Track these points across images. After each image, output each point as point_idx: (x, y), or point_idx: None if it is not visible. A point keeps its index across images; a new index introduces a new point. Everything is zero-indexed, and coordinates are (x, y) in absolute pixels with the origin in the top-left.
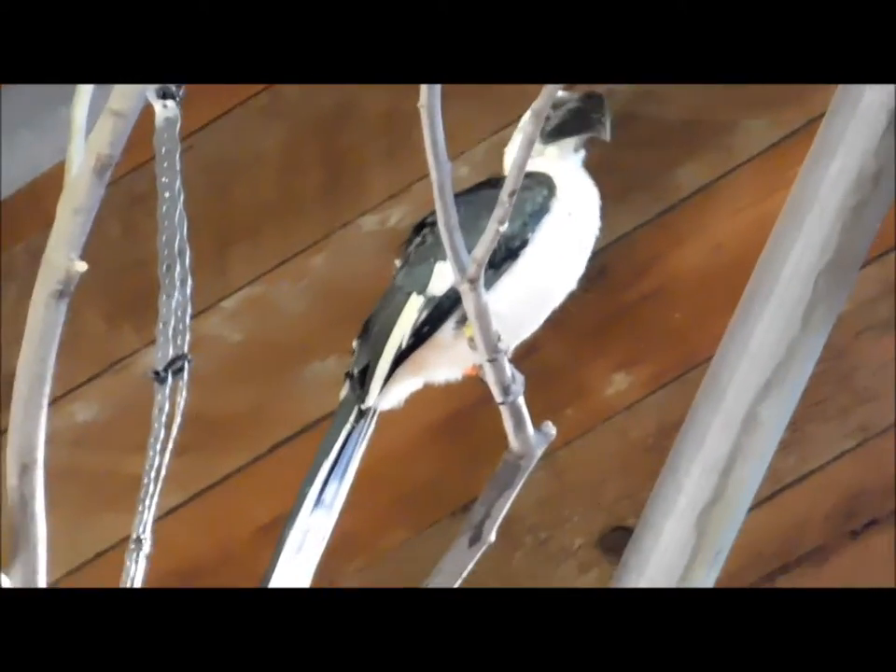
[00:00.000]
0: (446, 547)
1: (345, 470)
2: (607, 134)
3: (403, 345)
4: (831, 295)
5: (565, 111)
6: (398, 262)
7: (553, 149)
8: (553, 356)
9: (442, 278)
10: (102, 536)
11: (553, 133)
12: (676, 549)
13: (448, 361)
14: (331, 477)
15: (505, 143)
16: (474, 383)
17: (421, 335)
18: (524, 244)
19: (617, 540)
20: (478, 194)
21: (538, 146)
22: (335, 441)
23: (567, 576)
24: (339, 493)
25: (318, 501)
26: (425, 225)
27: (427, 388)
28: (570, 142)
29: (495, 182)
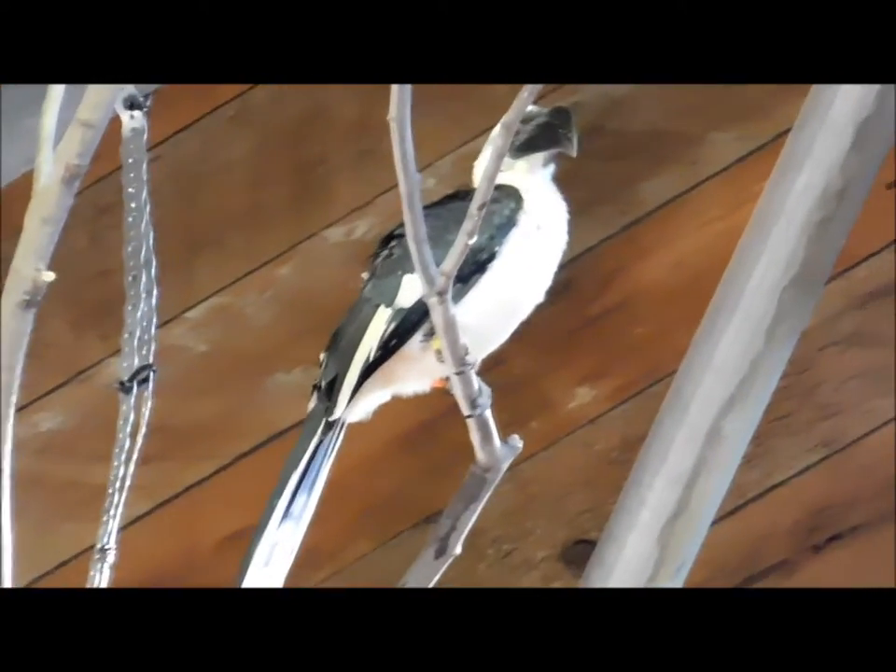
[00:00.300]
0: (410, 559)
1: (314, 483)
2: (573, 150)
3: (371, 358)
4: (795, 310)
5: (533, 126)
6: (365, 275)
7: (522, 163)
8: (518, 368)
9: (410, 291)
10: (65, 545)
11: (523, 148)
12: (639, 562)
13: (416, 374)
14: (300, 489)
15: (472, 155)
16: (439, 395)
17: (389, 348)
18: (491, 257)
19: (580, 553)
20: (446, 207)
21: (508, 159)
22: (303, 453)
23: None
24: (307, 505)
25: (287, 514)
26: (392, 237)
27: (393, 400)
28: (539, 156)
29: (463, 195)
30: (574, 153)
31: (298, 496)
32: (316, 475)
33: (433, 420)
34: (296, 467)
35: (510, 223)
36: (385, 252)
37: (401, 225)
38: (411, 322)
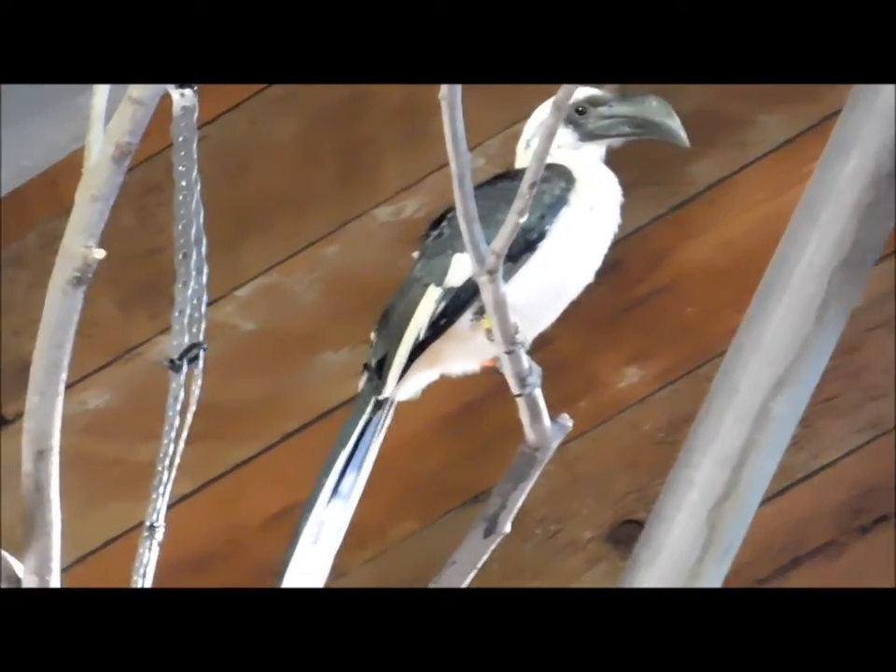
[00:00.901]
0: (456, 538)
1: (363, 461)
2: (685, 140)
3: (421, 337)
4: (844, 292)
5: (621, 118)
6: (415, 254)
7: (591, 147)
8: (566, 348)
9: (460, 270)
10: (112, 523)
11: (603, 134)
12: (687, 543)
13: (465, 353)
14: (349, 468)
15: (521, 135)
16: (486, 374)
17: (438, 327)
18: (541, 236)
19: (627, 534)
20: (496, 186)
21: (576, 141)
22: (353, 431)
23: (575, 569)
24: (356, 484)
25: (335, 492)
26: (443, 218)
27: (441, 379)
28: (615, 142)
29: (513, 174)
30: (688, 143)
31: (346, 474)
32: (366, 453)
33: (481, 399)
34: (345, 445)
35: (560, 202)
36: (436, 232)
37: (453, 207)
38: (461, 301)
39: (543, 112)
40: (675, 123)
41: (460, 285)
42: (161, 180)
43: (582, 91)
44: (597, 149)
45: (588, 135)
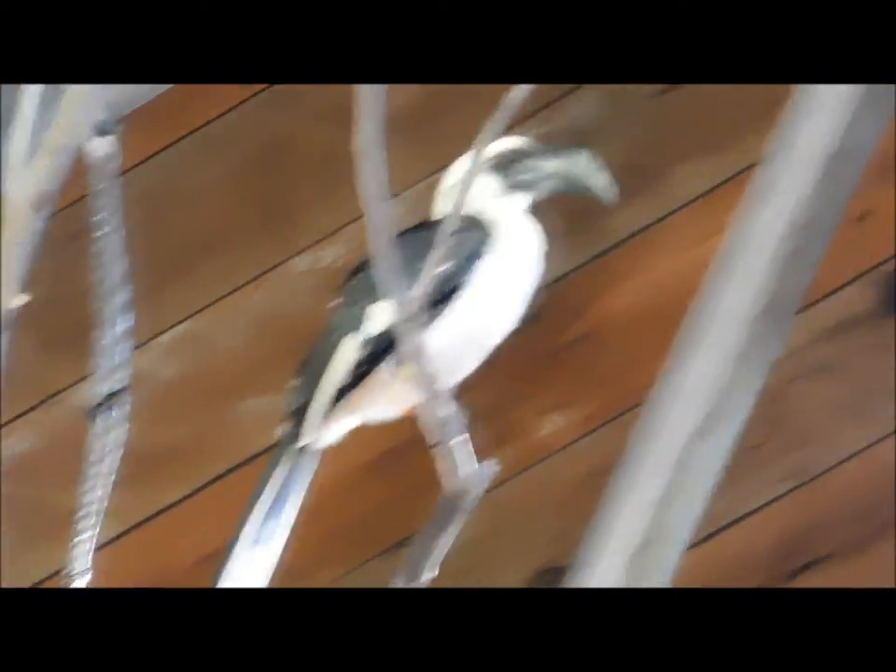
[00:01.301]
0: (380, 585)
1: (285, 508)
2: (613, 197)
3: (340, 385)
4: (765, 340)
5: (549, 172)
6: (335, 302)
7: (517, 197)
8: (489, 395)
9: (379, 318)
10: (35, 568)
11: (526, 186)
12: None
13: (386, 400)
14: (270, 514)
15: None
16: (408, 420)
17: (358, 375)
18: (460, 285)
19: (549, 581)
20: (415, 235)
21: (502, 190)
22: (268, 478)
23: None
24: (277, 531)
25: (257, 539)
26: (362, 267)
27: (366, 425)
28: (541, 194)
29: (431, 224)
30: (614, 202)
31: (268, 521)
32: (287, 501)
33: (404, 445)
34: (262, 492)
35: (479, 251)
36: (355, 280)
37: (372, 256)
38: (379, 349)
39: (467, 160)
40: (603, 180)
41: (379, 333)
42: (84, 226)
43: (512, 142)
44: (523, 199)
45: (514, 186)
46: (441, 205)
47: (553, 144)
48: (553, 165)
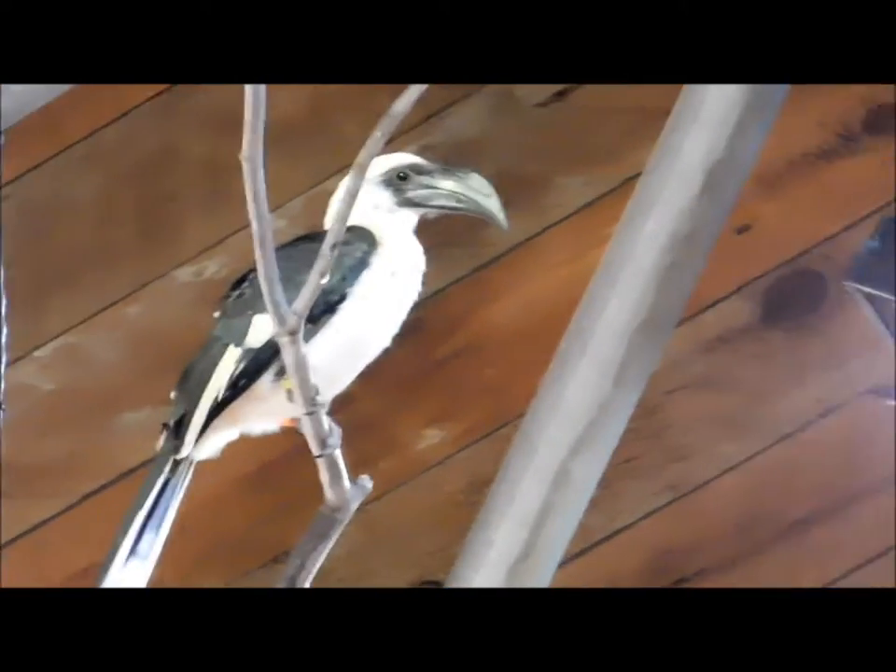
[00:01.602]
0: None
1: (161, 521)
2: (504, 223)
3: (220, 397)
4: (644, 354)
5: (442, 190)
6: (216, 314)
7: (405, 213)
8: (367, 409)
9: (260, 331)
10: None
11: (419, 204)
12: None
13: (265, 413)
14: (147, 527)
15: (323, 196)
16: (288, 434)
17: (238, 387)
18: (342, 298)
19: None
20: (297, 248)
21: (392, 205)
22: (150, 491)
23: None
24: (155, 544)
25: (133, 552)
26: (245, 279)
27: (242, 438)
28: (430, 212)
29: (314, 236)
30: (506, 227)
31: (145, 534)
32: (164, 513)
33: (282, 459)
34: (142, 505)
35: (361, 265)
36: (237, 293)
37: (255, 267)
38: (260, 362)
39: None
40: (494, 204)
41: (260, 345)
42: None
43: (406, 158)
44: (412, 216)
45: (405, 202)
46: (330, 217)
47: (447, 163)
48: (445, 184)
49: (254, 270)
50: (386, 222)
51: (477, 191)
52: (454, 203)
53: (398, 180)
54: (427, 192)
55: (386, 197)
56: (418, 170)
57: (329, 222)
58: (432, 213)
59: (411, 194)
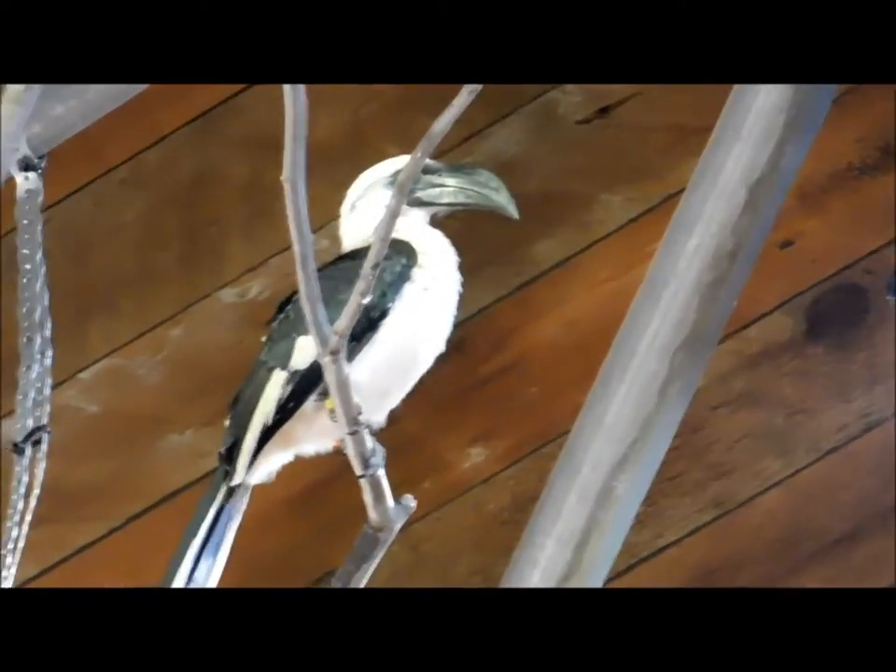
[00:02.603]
0: None
1: (218, 547)
2: (515, 212)
3: (269, 421)
4: (687, 370)
5: (450, 185)
6: (263, 339)
7: (418, 213)
8: (411, 428)
9: (305, 352)
10: None
11: (430, 202)
12: None
13: (315, 434)
14: (203, 555)
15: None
16: (332, 454)
17: (286, 410)
18: (384, 314)
19: None
20: (337, 267)
21: (406, 209)
22: (204, 518)
23: None
24: (213, 570)
25: (190, 579)
26: (289, 301)
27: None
28: (441, 210)
29: (353, 254)
30: (516, 215)
31: (202, 561)
32: (221, 540)
33: (326, 479)
34: (196, 532)
35: (402, 279)
36: (282, 315)
37: (298, 289)
38: (307, 383)
39: (369, 176)
40: (503, 197)
41: (305, 367)
42: (6, 263)
43: (398, 161)
44: (422, 215)
45: (415, 202)
46: (347, 218)
47: (455, 164)
48: (453, 181)
49: (297, 292)
50: (414, 231)
51: (484, 185)
52: (463, 199)
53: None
54: (435, 191)
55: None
56: (426, 170)
57: (344, 226)
58: (442, 211)
59: (420, 193)
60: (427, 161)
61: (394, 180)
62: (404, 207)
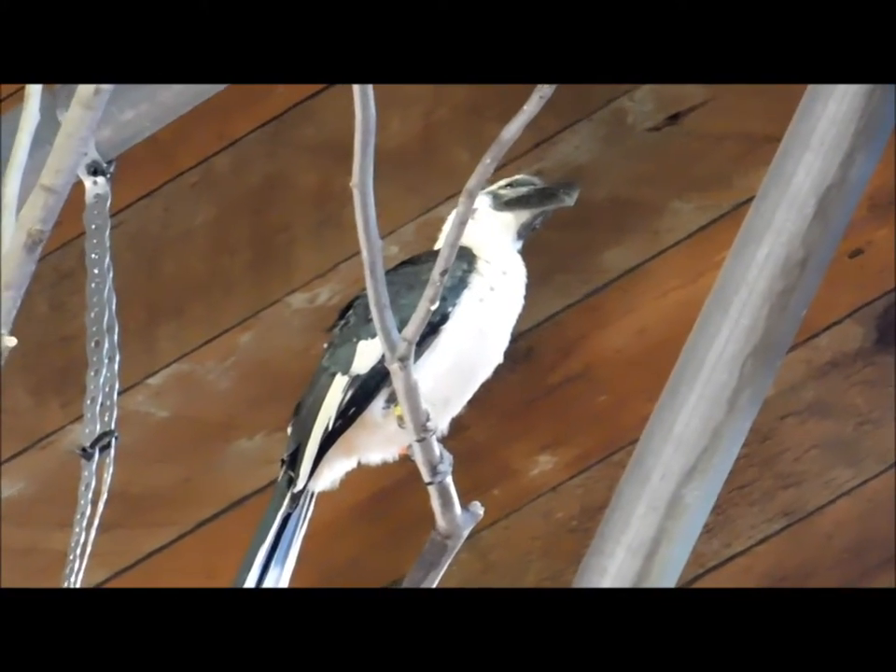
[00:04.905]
0: None
1: (286, 555)
2: (571, 201)
3: (330, 427)
4: (756, 379)
5: (531, 188)
6: (325, 345)
7: (507, 216)
8: (480, 436)
9: (366, 357)
10: None
11: (512, 203)
12: None
13: (380, 441)
14: (272, 562)
15: (434, 222)
16: (400, 461)
17: (348, 416)
18: (444, 319)
19: None
20: (398, 272)
21: (489, 208)
22: (270, 526)
23: None
24: (281, 577)
25: (259, 586)
26: (350, 306)
27: (354, 468)
28: (521, 216)
29: (415, 260)
30: (572, 203)
31: (270, 569)
32: (288, 548)
33: (395, 486)
34: (263, 540)
35: (462, 284)
36: (343, 321)
37: (360, 294)
38: (368, 389)
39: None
40: (571, 199)
41: (366, 372)
42: (74, 268)
43: (514, 177)
44: (508, 221)
45: (502, 205)
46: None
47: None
48: (539, 185)
49: (359, 297)
50: (483, 230)
51: (560, 186)
52: (539, 200)
53: (501, 190)
54: (523, 190)
55: (486, 200)
56: (520, 182)
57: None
58: (524, 218)
59: (506, 198)
60: (526, 176)
61: (491, 191)
62: (490, 209)
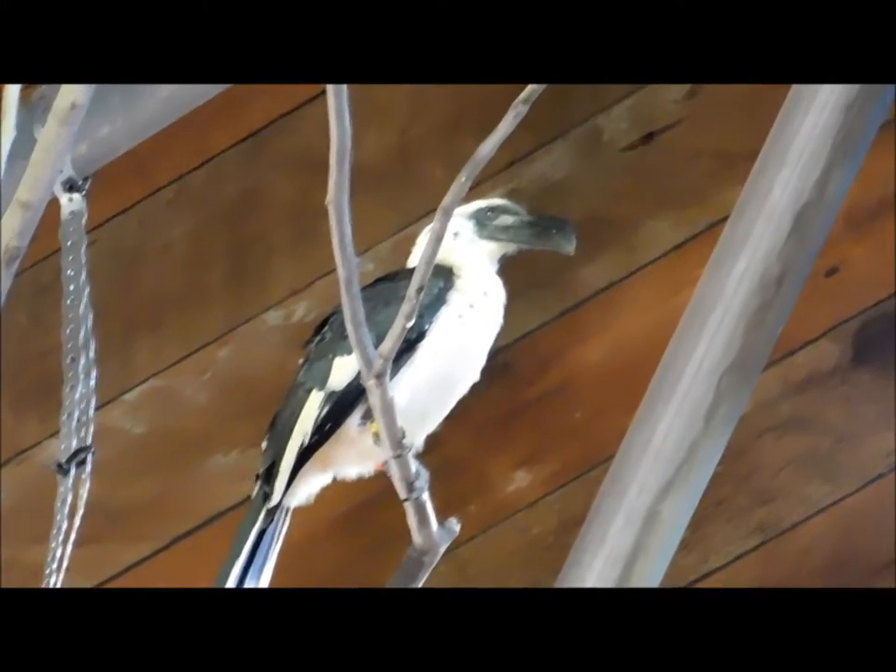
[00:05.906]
0: None
1: (262, 569)
2: (572, 248)
3: (306, 442)
4: (733, 395)
5: (521, 222)
6: (301, 360)
7: (488, 246)
8: (456, 451)
9: (342, 373)
10: None
11: (500, 236)
12: None
13: (355, 457)
14: (247, 577)
15: (411, 239)
16: (376, 477)
17: (324, 431)
18: (421, 335)
19: None
20: (374, 289)
21: (473, 235)
22: (245, 541)
23: None
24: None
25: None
26: (325, 323)
27: (331, 482)
28: (510, 247)
29: (392, 276)
30: (572, 251)
31: (246, 584)
32: (263, 562)
33: (371, 501)
34: (238, 556)
35: (439, 301)
36: (319, 337)
37: (335, 310)
38: (344, 404)
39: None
40: (571, 246)
41: (343, 388)
42: (51, 282)
43: (495, 201)
44: (492, 250)
45: (487, 234)
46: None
47: (533, 207)
48: (528, 219)
49: (335, 313)
50: (465, 252)
51: (551, 224)
52: (528, 236)
53: (485, 215)
54: (509, 220)
55: (470, 227)
56: (505, 209)
57: (412, 264)
58: (511, 249)
59: (492, 227)
60: (509, 203)
61: (472, 212)
62: (474, 236)
